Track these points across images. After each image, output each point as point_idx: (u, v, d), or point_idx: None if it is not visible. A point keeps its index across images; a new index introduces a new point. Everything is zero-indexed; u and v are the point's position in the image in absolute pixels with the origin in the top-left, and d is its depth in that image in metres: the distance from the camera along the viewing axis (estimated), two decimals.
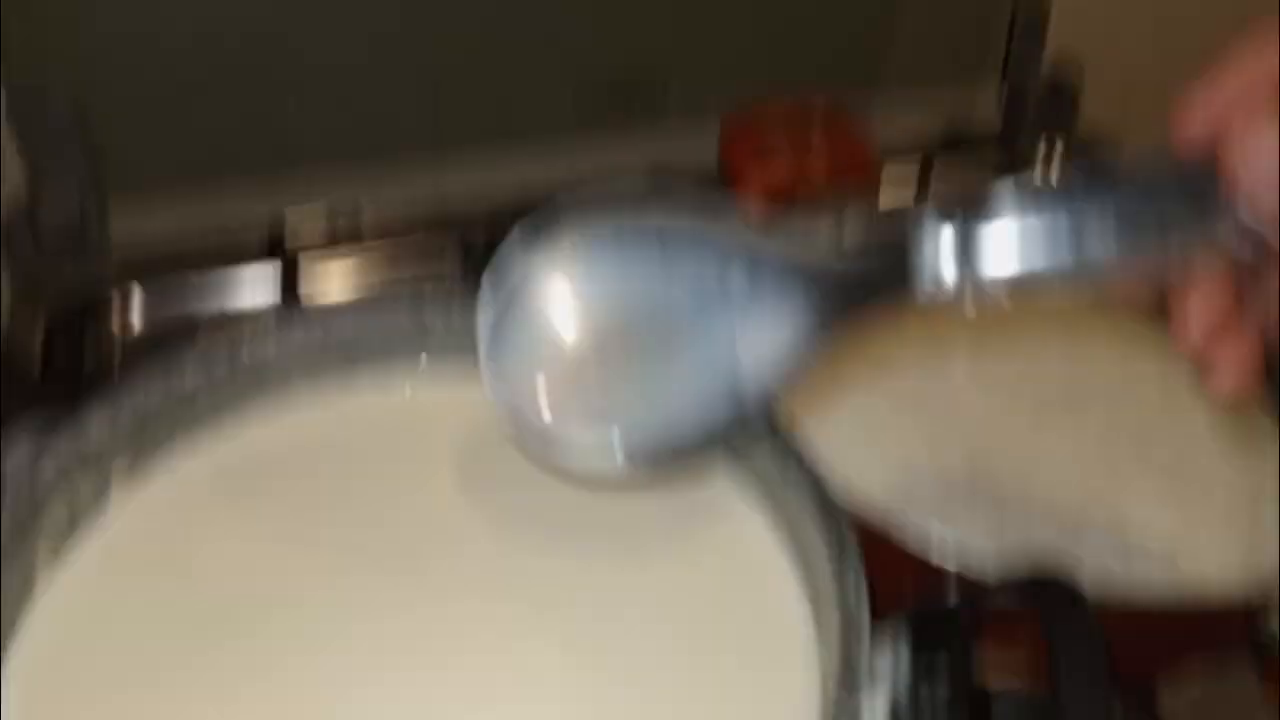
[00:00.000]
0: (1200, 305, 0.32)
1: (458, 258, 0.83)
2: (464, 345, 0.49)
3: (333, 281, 0.80)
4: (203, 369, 0.46)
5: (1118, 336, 0.64)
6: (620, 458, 0.39)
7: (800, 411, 0.42)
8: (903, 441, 0.56)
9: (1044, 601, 0.36)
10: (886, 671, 0.35)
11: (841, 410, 0.56)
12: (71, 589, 0.41)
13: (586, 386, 0.40)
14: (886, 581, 0.41)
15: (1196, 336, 0.33)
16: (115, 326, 0.79)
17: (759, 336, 0.37)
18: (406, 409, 0.49)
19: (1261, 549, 0.52)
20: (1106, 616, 0.41)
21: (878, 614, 0.37)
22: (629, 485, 0.46)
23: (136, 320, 0.80)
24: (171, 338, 0.79)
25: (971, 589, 0.37)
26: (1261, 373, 0.33)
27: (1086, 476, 0.55)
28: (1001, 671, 0.46)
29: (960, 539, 0.48)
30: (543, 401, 0.39)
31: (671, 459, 0.40)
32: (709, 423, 0.39)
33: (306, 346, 0.48)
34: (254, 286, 0.79)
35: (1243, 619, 0.45)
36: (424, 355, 0.50)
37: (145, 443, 0.45)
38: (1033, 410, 0.58)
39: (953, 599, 0.37)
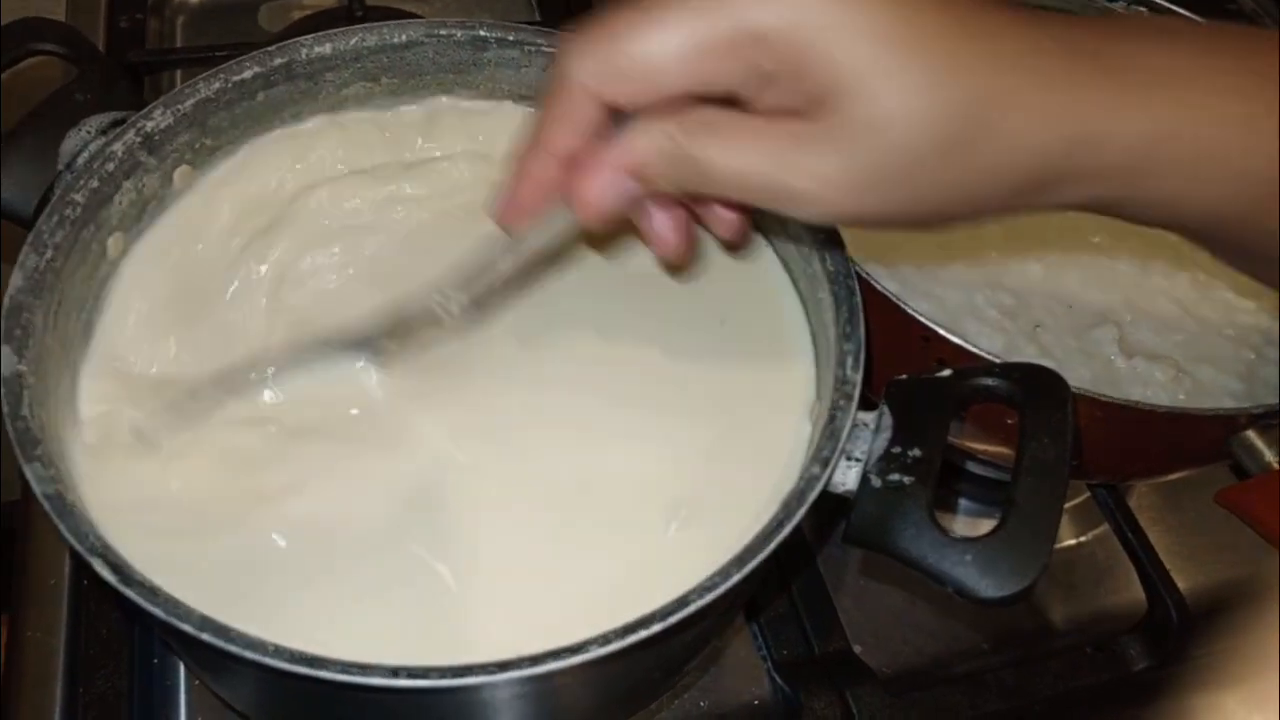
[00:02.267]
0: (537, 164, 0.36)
1: None
2: (513, 66, 0.50)
3: None
4: (260, 63, 0.47)
5: None
6: None
7: None
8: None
9: (1026, 386, 0.38)
10: (869, 431, 0.38)
11: None
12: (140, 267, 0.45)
13: None
14: (891, 355, 0.44)
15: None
16: None
17: None
18: (450, 121, 0.51)
19: (1260, 375, 0.53)
20: (1096, 413, 0.45)
21: (876, 384, 0.40)
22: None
23: None
24: (232, 12, 0.79)
25: (965, 369, 0.39)
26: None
27: (1116, 277, 0.55)
28: (978, 445, 0.50)
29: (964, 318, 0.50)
30: None
31: None
32: None
33: (359, 51, 0.48)
34: None
35: (1227, 433, 0.47)
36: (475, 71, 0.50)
37: (206, 131, 0.47)
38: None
39: (943, 372, 0.39)
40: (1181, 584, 0.54)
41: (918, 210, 0.33)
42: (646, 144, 0.33)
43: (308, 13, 0.78)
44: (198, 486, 0.39)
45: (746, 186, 0.33)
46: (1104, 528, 0.58)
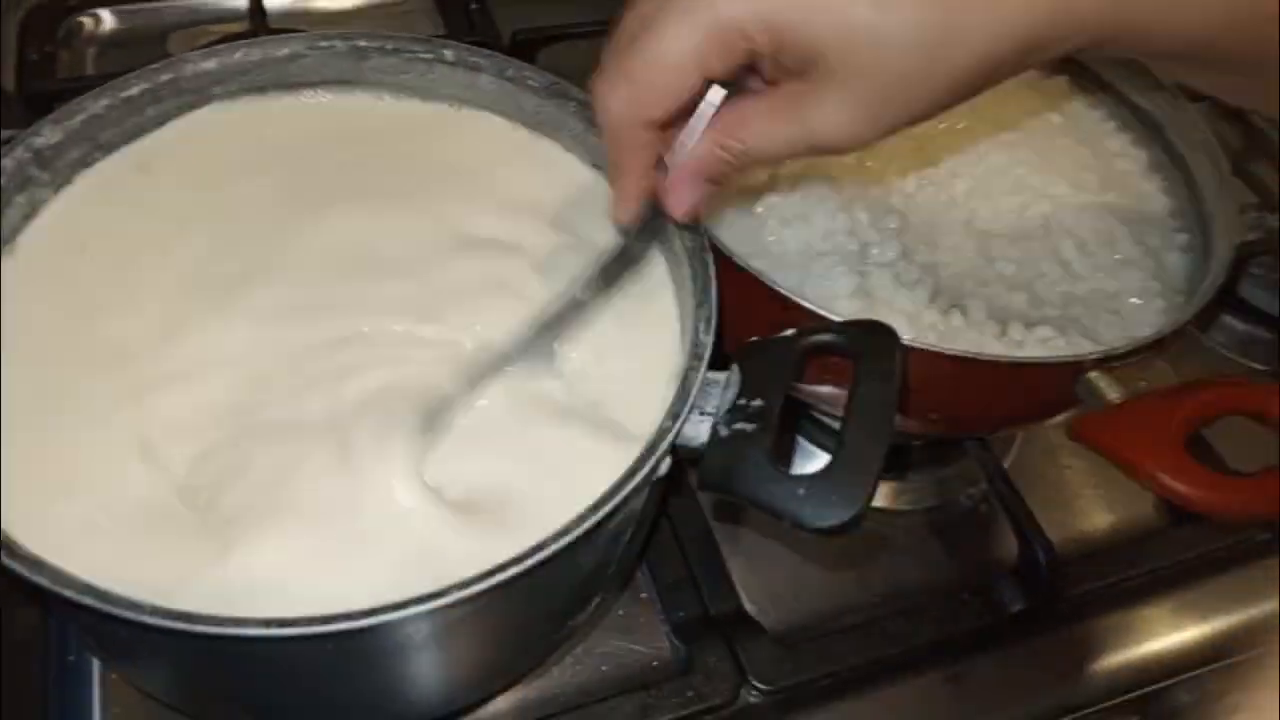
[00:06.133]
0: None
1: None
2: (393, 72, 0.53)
3: None
4: (147, 79, 0.49)
5: None
6: None
7: None
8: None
9: (861, 340, 0.41)
10: (719, 388, 0.41)
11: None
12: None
13: None
14: (744, 318, 0.47)
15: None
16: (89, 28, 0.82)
17: None
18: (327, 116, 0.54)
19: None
20: (945, 366, 0.48)
21: (729, 345, 0.43)
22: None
23: (109, 23, 0.82)
24: (142, 42, 0.81)
25: (806, 328, 0.42)
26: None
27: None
28: (829, 404, 0.53)
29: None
30: None
31: None
32: None
33: (244, 66, 0.51)
34: None
35: (1073, 379, 0.50)
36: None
37: (99, 146, 0.49)
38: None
39: (788, 331, 0.42)
40: (1054, 531, 0.57)
41: (921, 111, 0.38)
42: (704, 152, 0.40)
43: (214, 39, 0.80)
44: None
45: (785, 152, 0.40)
46: (984, 486, 0.61)
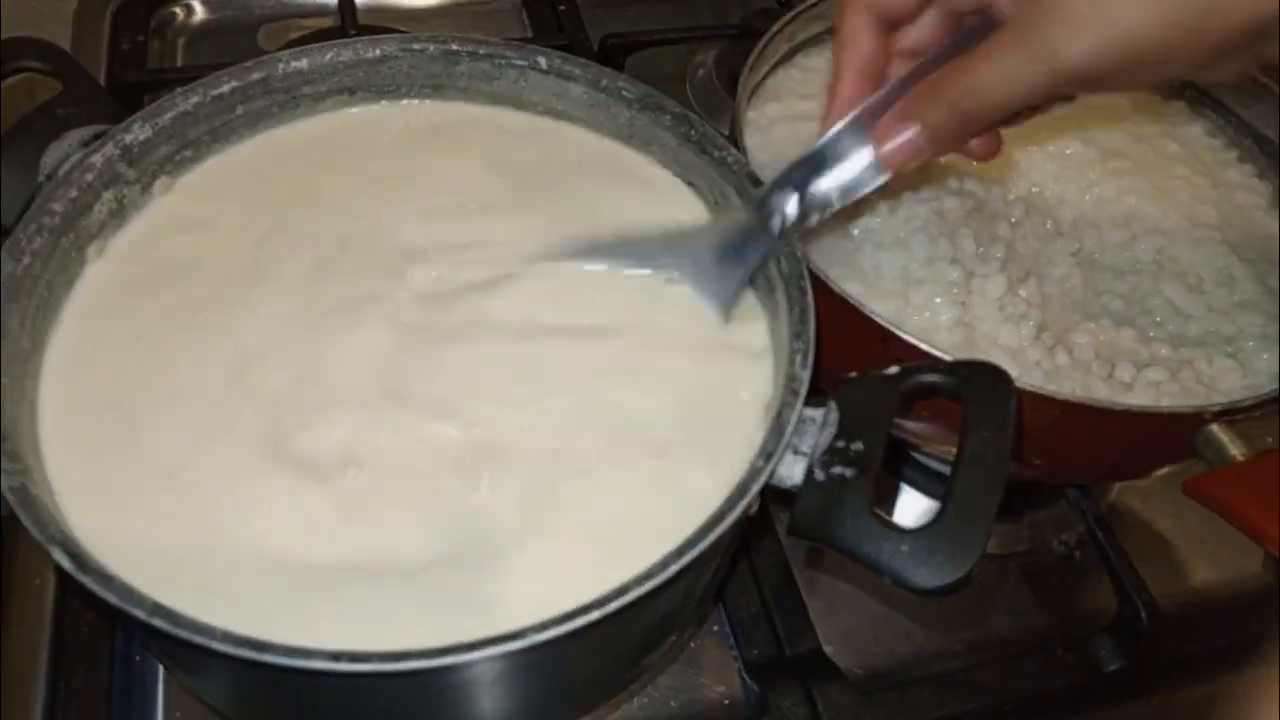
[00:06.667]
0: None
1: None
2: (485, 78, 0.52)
3: None
4: (238, 77, 0.49)
5: None
6: None
7: None
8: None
9: (970, 382, 0.38)
10: (816, 426, 0.39)
11: None
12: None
13: None
14: (851, 355, 0.45)
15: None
16: (180, 19, 0.82)
17: None
18: (417, 124, 0.52)
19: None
20: (1053, 412, 0.45)
21: (829, 380, 0.40)
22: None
23: (200, 13, 0.83)
24: (233, 33, 0.81)
25: (911, 366, 0.39)
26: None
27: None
28: (924, 440, 0.50)
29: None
30: None
31: None
32: None
33: (335, 66, 0.50)
34: None
35: (1190, 430, 0.47)
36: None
37: (186, 144, 0.48)
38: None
39: (890, 369, 0.39)
40: (1156, 586, 0.54)
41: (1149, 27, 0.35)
42: (921, 93, 0.40)
43: (304, 33, 0.80)
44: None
45: (1020, 86, 0.37)
46: (1080, 531, 0.58)
